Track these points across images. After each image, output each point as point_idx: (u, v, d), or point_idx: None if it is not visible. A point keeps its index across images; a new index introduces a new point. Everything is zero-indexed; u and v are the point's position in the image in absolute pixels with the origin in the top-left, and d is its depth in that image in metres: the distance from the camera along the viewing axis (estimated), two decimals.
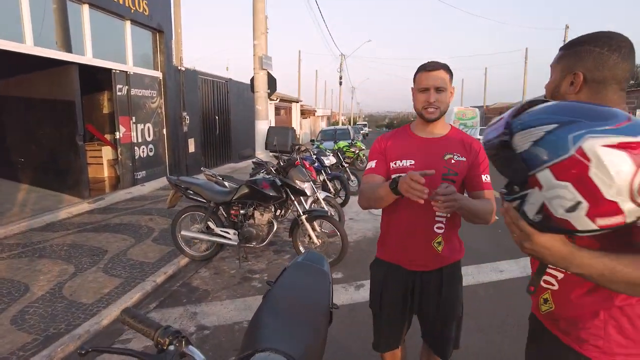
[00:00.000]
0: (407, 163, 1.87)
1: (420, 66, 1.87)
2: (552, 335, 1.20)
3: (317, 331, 1.42)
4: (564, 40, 24.35)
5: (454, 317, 1.93)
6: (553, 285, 1.18)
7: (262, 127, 9.00)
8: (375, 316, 2.06)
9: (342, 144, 12.09)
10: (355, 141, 13.80)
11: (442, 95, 1.82)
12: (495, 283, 4.12)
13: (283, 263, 4.63)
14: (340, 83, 36.06)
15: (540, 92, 1.58)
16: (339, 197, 7.45)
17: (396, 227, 1.93)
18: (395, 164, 1.91)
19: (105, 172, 10.43)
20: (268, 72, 8.95)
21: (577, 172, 0.78)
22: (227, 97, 14.26)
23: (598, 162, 0.76)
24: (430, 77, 1.80)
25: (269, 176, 4.61)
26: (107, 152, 10.44)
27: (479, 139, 1.39)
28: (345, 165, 9.56)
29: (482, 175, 1.84)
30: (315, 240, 4.43)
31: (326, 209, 5.53)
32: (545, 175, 0.82)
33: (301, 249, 4.49)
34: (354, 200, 8.24)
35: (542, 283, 1.20)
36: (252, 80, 9.02)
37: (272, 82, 9.04)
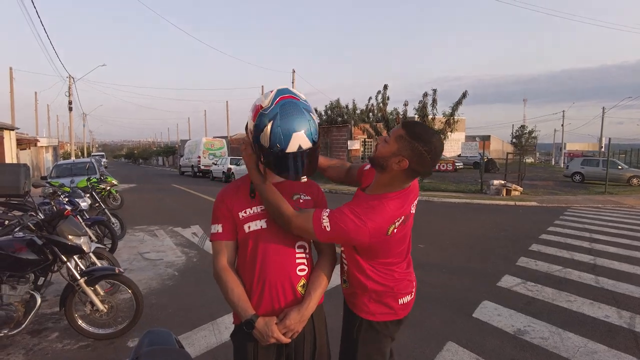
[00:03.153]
0: (257, 209, 1.76)
1: None
2: (347, 306, 1.94)
3: None
4: (292, 81, 28.34)
5: None
6: (345, 265, 1.87)
7: None
8: None
9: (93, 180, 10.33)
10: (105, 176, 12.07)
11: None
12: None
13: (52, 346, 3.51)
14: (70, 109, 31.12)
15: None
16: (105, 246, 6.30)
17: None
18: (244, 212, 1.76)
19: None
20: None
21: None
22: None
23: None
24: None
25: (23, 234, 3.44)
26: None
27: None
28: (102, 205, 8.22)
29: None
30: (101, 306, 3.56)
31: (98, 263, 4.57)
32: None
33: (81, 323, 3.53)
34: (122, 245, 7.13)
35: (344, 263, 1.88)
36: None
37: None
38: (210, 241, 1.75)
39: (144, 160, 79.84)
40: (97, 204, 8.30)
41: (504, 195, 15.71)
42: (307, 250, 1.77)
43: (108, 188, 11.46)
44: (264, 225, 1.71)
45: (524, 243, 7.52)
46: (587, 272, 5.69)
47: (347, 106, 29.21)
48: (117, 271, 3.64)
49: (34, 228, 3.39)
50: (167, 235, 8.34)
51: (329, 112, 30.23)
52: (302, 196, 1.82)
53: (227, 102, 46.24)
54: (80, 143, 57.01)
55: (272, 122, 1.52)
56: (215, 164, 26.98)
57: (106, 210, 8.00)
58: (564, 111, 57.03)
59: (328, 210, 1.66)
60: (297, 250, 1.72)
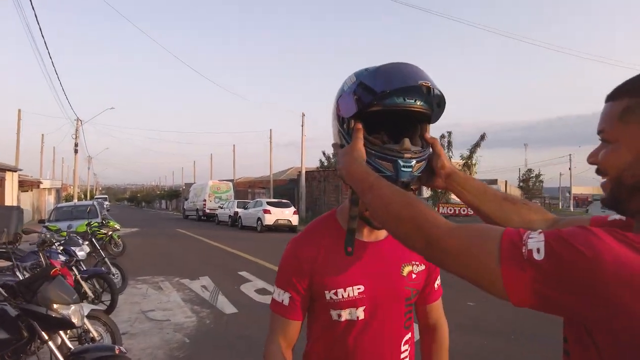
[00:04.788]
0: (354, 291, 1.13)
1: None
2: None
3: None
4: (302, 124, 28.02)
5: None
6: None
7: None
8: None
9: (94, 224, 9.45)
10: (107, 220, 11.20)
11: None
12: None
13: None
14: (76, 151, 30.76)
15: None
16: (103, 302, 5.33)
17: None
18: (334, 293, 1.12)
19: None
20: None
21: None
22: None
23: None
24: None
25: None
26: None
27: None
28: (102, 254, 7.29)
29: (436, 282, 1.31)
30: None
31: (93, 332, 3.61)
32: None
33: None
34: (123, 300, 6.13)
35: None
36: None
37: None
38: (270, 309, 1.19)
39: (146, 204, 79.26)
40: (97, 252, 7.37)
41: None
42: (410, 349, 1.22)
43: (110, 233, 10.54)
44: (362, 316, 1.13)
45: None
46: None
47: None
48: (117, 351, 2.68)
49: (6, 294, 2.48)
50: (174, 288, 7.35)
51: None
52: (414, 267, 1.19)
53: (234, 145, 46.09)
54: (84, 186, 56.60)
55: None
56: (222, 207, 26.25)
57: (106, 259, 7.06)
58: (570, 155, 56.64)
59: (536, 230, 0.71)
60: (402, 349, 1.18)
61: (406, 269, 1.17)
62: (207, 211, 28.43)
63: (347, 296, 1.11)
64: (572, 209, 47.69)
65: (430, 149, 1.08)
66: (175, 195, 63.54)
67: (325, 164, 30.17)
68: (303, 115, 28.52)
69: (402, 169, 0.99)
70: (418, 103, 1.02)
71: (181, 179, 72.30)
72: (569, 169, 56.44)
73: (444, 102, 1.05)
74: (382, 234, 1.18)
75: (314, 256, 1.13)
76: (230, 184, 32.13)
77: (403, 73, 0.99)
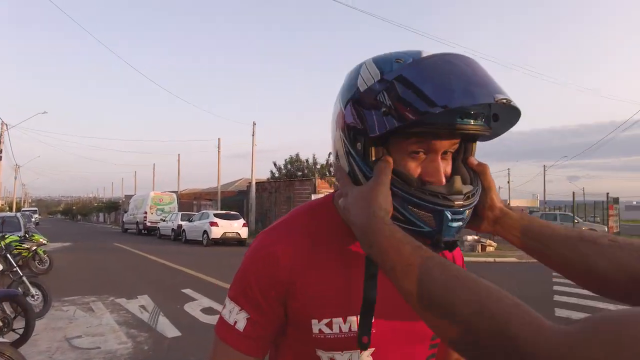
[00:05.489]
0: (349, 325, 0.72)
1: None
2: None
3: None
4: (253, 134, 27.35)
5: None
6: None
7: None
8: None
9: (11, 238, 8.27)
10: (31, 233, 9.95)
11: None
12: None
13: None
14: (0, 158, 28.02)
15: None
16: (15, 331, 4.47)
17: None
18: (327, 326, 0.72)
19: None
20: None
21: None
22: None
23: None
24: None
25: None
26: None
27: None
28: (19, 272, 6.31)
29: None
30: None
31: None
32: None
33: None
34: (44, 326, 5.26)
35: None
36: None
37: None
38: (215, 332, 0.75)
39: (82, 217, 74.54)
40: (12, 270, 6.37)
41: (480, 251, 15.05)
42: None
43: (34, 248, 9.40)
44: None
45: (545, 308, 6.46)
46: None
47: (307, 160, 28.56)
48: None
49: None
50: (107, 309, 6.49)
51: (289, 166, 29.38)
52: None
53: (179, 155, 44.10)
54: (10, 197, 51.86)
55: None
56: (164, 220, 24.94)
57: (24, 278, 6.09)
58: (509, 169, 60.07)
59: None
60: None
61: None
62: (148, 224, 27.08)
63: (347, 331, 0.71)
64: None
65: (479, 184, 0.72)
66: (114, 207, 60.64)
67: (277, 174, 29.60)
68: (254, 124, 27.90)
69: (450, 223, 0.65)
70: (480, 123, 0.68)
71: (121, 190, 68.48)
72: (508, 182, 59.79)
73: (517, 119, 0.71)
74: None
75: (298, 261, 0.72)
76: (174, 195, 30.78)
77: (471, 80, 0.63)
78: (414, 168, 0.68)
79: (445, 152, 0.69)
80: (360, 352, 0.71)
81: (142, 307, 6.62)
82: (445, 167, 0.69)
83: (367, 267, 0.69)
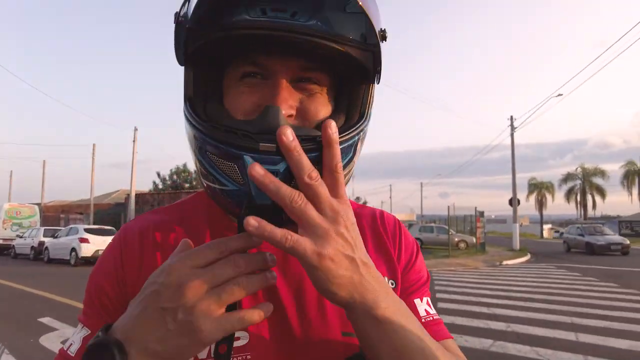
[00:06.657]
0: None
1: None
2: None
3: None
4: (134, 140, 25.22)
5: None
6: None
7: None
8: None
9: None
10: None
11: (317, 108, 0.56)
12: None
13: None
14: None
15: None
16: None
17: None
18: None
19: None
20: None
21: None
22: None
23: None
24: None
25: None
26: None
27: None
28: None
29: (420, 306, 0.66)
30: None
31: None
32: None
33: None
34: None
35: None
36: None
37: None
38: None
39: None
40: None
41: None
42: None
43: None
44: None
45: None
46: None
47: (195, 171, 27.47)
48: None
49: None
50: None
51: (175, 177, 27.78)
52: None
53: (44, 161, 38.67)
54: None
55: None
56: (21, 237, 21.51)
57: None
58: (390, 185, 65.36)
59: None
60: None
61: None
62: (0, 242, 23.24)
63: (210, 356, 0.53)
64: None
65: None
66: None
67: (160, 186, 27.72)
68: (136, 129, 25.74)
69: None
70: (302, 20, 0.48)
71: None
72: (390, 197, 64.84)
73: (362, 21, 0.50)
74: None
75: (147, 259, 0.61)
76: (36, 207, 26.97)
77: None
78: (245, 100, 0.53)
79: (304, 82, 0.54)
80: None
81: None
82: (306, 105, 0.53)
83: None
